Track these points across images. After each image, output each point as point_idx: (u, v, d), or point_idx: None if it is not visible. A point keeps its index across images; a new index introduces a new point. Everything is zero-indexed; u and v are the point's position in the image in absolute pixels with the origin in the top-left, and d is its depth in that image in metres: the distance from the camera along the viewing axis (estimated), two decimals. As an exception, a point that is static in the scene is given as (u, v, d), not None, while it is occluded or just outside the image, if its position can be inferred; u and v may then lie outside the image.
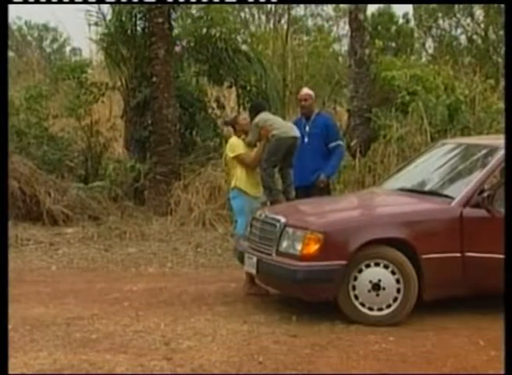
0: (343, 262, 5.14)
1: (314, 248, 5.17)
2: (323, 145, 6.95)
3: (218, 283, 6.47)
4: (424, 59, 17.36)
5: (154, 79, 9.78)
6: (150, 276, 6.92)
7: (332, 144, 6.95)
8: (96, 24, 10.90)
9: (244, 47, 11.12)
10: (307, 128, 6.92)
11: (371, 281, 5.19)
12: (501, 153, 5.51)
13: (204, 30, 10.65)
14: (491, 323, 5.08)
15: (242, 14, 15.59)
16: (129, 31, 10.52)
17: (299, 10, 20.69)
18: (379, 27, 17.68)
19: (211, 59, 10.68)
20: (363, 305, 5.20)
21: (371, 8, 17.35)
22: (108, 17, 10.76)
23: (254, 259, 5.55)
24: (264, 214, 5.76)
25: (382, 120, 9.95)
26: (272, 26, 18.51)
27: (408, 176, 6.28)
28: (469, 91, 10.51)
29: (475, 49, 17.66)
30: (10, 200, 8.23)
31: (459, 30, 18.45)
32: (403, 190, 6.00)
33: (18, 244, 8.02)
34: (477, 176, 5.55)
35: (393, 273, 5.22)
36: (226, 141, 10.38)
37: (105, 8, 10.76)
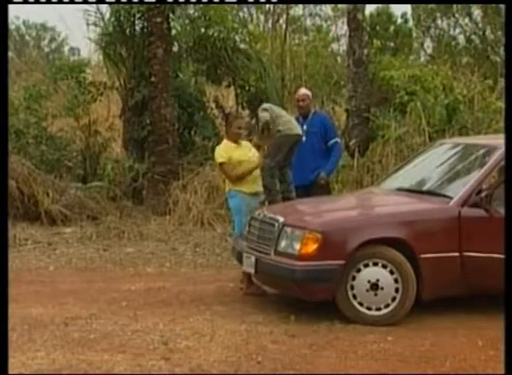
0: (342, 262, 5.14)
1: (312, 247, 5.17)
2: (321, 144, 7.01)
3: (216, 282, 6.47)
4: (422, 59, 17.37)
5: (153, 79, 9.78)
6: (148, 276, 6.91)
7: (331, 142, 7.04)
8: (94, 24, 10.89)
9: (243, 46, 11.12)
10: (305, 127, 6.96)
11: (369, 281, 5.19)
12: (499, 153, 5.52)
13: (203, 30, 10.65)
14: (489, 322, 5.09)
15: (240, 14, 15.56)
16: (127, 31, 10.51)
17: (297, 10, 20.65)
18: (378, 27, 17.68)
19: (209, 59, 10.68)
20: (361, 304, 5.20)
21: (370, 8, 17.38)
22: (107, 17, 10.76)
23: (253, 259, 5.55)
24: (263, 214, 5.76)
25: (381, 120, 9.95)
26: (270, 25, 18.49)
27: (406, 176, 6.28)
28: (467, 91, 10.52)
29: (473, 49, 17.67)
30: (8, 200, 8.22)
31: (457, 30, 18.46)
32: (401, 189, 6.00)
33: (16, 244, 8.02)
34: (475, 175, 5.55)
35: (392, 272, 5.22)
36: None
37: (104, 7, 10.76)
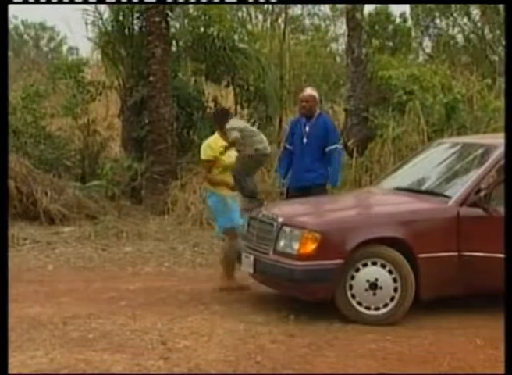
0: (340, 262, 5.14)
1: (311, 247, 5.18)
2: (322, 147, 6.83)
3: (215, 282, 6.47)
4: (421, 58, 17.38)
5: (151, 78, 9.78)
6: (147, 276, 6.91)
7: (331, 147, 6.80)
8: (93, 23, 10.89)
9: (242, 46, 11.12)
10: (307, 128, 6.81)
11: (368, 280, 5.19)
12: (498, 152, 5.52)
13: (202, 29, 10.65)
14: (488, 322, 5.09)
15: (239, 13, 15.59)
16: (126, 30, 10.52)
17: (296, 9, 20.66)
18: (376, 26, 17.67)
19: (208, 58, 10.68)
20: (360, 304, 5.20)
21: (368, 8, 17.35)
22: (106, 16, 10.76)
23: (251, 258, 5.55)
24: (262, 213, 5.77)
25: (379, 120, 9.96)
26: (269, 25, 18.50)
27: (405, 176, 6.28)
28: (466, 90, 10.52)
29: (472, 48, 17.67)
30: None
31: (456, 30, 18.45)
32: (400, 189, 6.01)
33: (15, 244, 8.01)
34: (474, 175, 5.56)
35: (390, 272, 5.22)
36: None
37: (102, 7, 10.76)
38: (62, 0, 10.76)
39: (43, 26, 28.67)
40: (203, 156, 6.21)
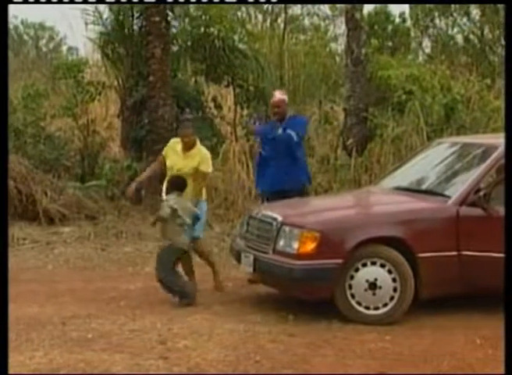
0: (340, 261, 5.14)
1: (310, 246, 5.18)
2: (295, 149, 6.66)
3: (214, 282, 6.46)
4: (420, 59, 17.37)
5: (151, 78, 9.77)
6: (146, 276, 6.90)
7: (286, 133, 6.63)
8: (93, 23, 10.89)
9: (241, 46, 11.12)
10: (280, 131, 6.66)
11: (367, 280, 5.19)
12: (497, 152, 5.52)
13: (202, 29, 10.64)
14: (487, 321, 5.10)
15: (238, 13, 15.58)
16: (126, 30, 10.51)
17: (295, 9, 20.66)
18: (376, 26, 17.67)
19: (208, 58, 10.67)
20: (359, 303, 5.20)
21: (368, 8, 17.35)
22: (105, 16, 10.76)
23: (251, 258, 5.55)
24: (261, 212, 5.76)
25: (379, 119, 9.96)
26: (268, 25, 18.50)
27: (404, 175, 6.28)
28: (465, 91, 10.53)
29: (472, 48, 17.67)
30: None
31: (455, 30, 18.44)
32: (399, 189, 6.01)
33: (14, 244, 8.01)
34: (473, 175, 5.56)
35: (390, 271, 5.22)
36: (224, 142, 10.45)
37: (102, 7, 10.76)
38: (62, 0, 10.75)
39: (42, 26, 28.65)
40: (210, 168, 6.15)
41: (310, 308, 5.36)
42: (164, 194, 6.03)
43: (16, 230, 8.33)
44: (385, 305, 5.22)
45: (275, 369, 4.30)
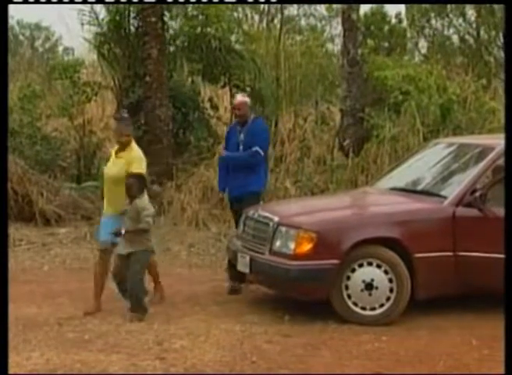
0: (336, 262, 5.15)
1: (307, 247, 5.18)
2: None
3: (211, 282, 6.47)
4: (416, 59, 17.39)
5: (147, 78, 9.77)
6: (143, 276, 6.89)
7: (252, 150, 6.26)
8: (89, 23, 10.88)
9: (238, 46, 11.12)
10: (242, 136, 6.38)
11: (364, 281, 5.20)
12: (493, 153, 5.54)
13: (199, 29, 10.64)
14: (483, 321, 5.11)
15: (235, 13, 15.58)
16: (122, 31, 10.50)
17: (292, 10, 20.69)
18: (372, 27, 17.70)
19: (205, 59, 10.67)
20: (356, 304, 5.21)
21: (364, 8, 17.37)
22: (101, 16, 10.75)
23: (247, 259, 5.55)
24: (258, 213, 5.77)
25: (375, 120, 9.97)
26: (265, 25, 18.51)
27: (401, 176, 6.29)
28: (461, 91, 10.54)
29: (467, 49, 17.70)
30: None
31: (451, 30, 18.48)
32: (395, 189, 6.01)
33: (10, 245, 7.98)
34: (469, 175, 5.57)
35: (386, 272, 5.23)
36: (220, 142, 10.44)
37: (98, 7, 10.74)
38: (62, 0, 10.73)
39: (38, 27, 28.62)
40: (143, 170, 5.56)
41: (306, 308, 5.36)
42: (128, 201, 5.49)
43: (12, 231, 8.31)
44: (382, 305, 5.23)
45: (272, 370, 4.30)
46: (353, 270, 5.21)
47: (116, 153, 5.65)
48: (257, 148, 6.27)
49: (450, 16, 18.23)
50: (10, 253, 7.72)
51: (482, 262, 5.30)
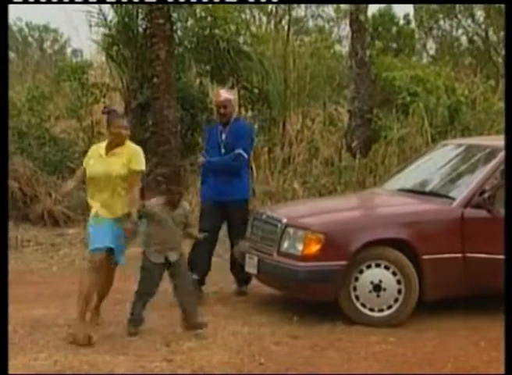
0: (344, 263, 5.13)
1: (315, 248, 5.17)
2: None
3: (218, 284, 6.46)
4: (424, 60, 17.37)
5: (155, 80, 9.78)
6: (151, 277, 6.90)
7: (235, 152, 5.92)
8: (97, 25, 10.91)
9: (246, 47, 11.13)
10: (224, 137, 5.96)
11: (372, 282, 5.18)
12: (502, 154, 5.51)
13: (207, 31, 10.66)
14: (492, 323, 5.08)
15: (243, 15, 15.60)
16: (130, 32, 10.53)
17: (300, 11, 20.71)
18: (380, 28, 17.67)
19: (213, 60, 10.68)
20: (364, 305, 5.20)
21: (372, 9, 17.36)
22: (109, 18, 10.78)
23: (255, 260, 5.54)
24: (266, 214, 5.76)
25: (383, 121, 9.96)
26: (272, 27, 18.51)
27: (409, 177, 6.27)
28: (469, 92, 10.53)
29: (476, 50, 17.67)
30: (10, 201, 8.22)
31: (460, 31, 18.45)
32: (404, 190, 6.00)
33: (19, 246, 8.02)
34: (478, 176, 5.55)
35: (394, 273, 5.21)
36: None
37: (106, 8, 10.78)
38: (62, 0, 10.76)
39: (47, 29, 28.72)
40: (143, 166, 5.09)
41: (314, 310, 5.35)
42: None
43: (21, 232, 8.34)
44: (390, 307, 5.21)
45: (280, 371, 4.30)
46: (361, 271, 5.20)
47: (108, 150, 5.04)
48: (240, 151, 5.89)
49: (459, 16, 18.20)
50: (19, 254, 7.76)
51: (491, 264, 5.28)
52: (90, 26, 10.99)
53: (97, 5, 10.66)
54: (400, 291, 5.22)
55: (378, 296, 5.18)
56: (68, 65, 11.82)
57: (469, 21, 18.13)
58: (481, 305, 5.38)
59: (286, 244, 5.35)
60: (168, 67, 9.81)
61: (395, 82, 10.34)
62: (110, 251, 5.08)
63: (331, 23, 22.10)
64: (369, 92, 10.15)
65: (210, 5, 10.72)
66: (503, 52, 17.11)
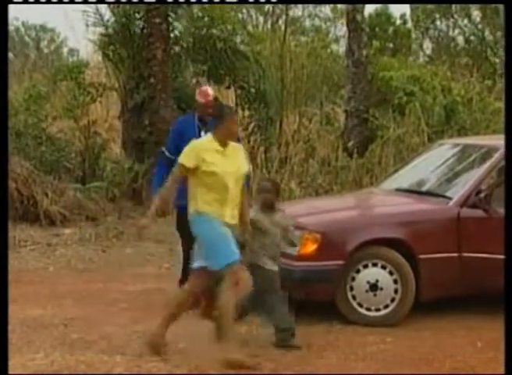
0: (341, 263, 5.14)
1: (311, 248, 5.17)
2: None
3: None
4: (421, 60, 17.39)
5: (152, 80, 9.79)
6: (147, 277, 6.90)
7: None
8: (94, 25, 10.90)
9: (243, 47, 11.13)
10: (203, 134, 5.24)
11: (368, 282, 5.19)
12: (498, 153, 5.52)
13: (204, 30, 10.65)
14: (488, 323, 5.09)
15: (239, 15, 15.60)
16: (127, 32, 10.52)
17: (297, 11, 20.71)
18: (377, 28, 17.69)
19: (209, 60, 10.69)
20: (360, 305, 5.20)
21: (369, 9, 17.38)
22: (106, 18, 10.77)
23: (252, 260, 5.53)
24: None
25: (380, 121, 9.98)
26: (269, 26, 18.53)
27: (406, 177, 6.28)
28: (466, 92, 10.55)
29: (472, 50, 17.69)
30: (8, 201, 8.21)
31: (456, 31, 18.47)
32: (400, 190, 6.00)
33: (15, 246, 8.00)
34: (474, 176, 5.55)
35: (391, 273, 5.22)
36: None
37: (103, 8, 10.76)
38: (62, 0, 10.75)
39: (43, 28, 28.69)
40: (185, 161, 4.45)
41: (311, 309, 5.35)
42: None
43: (17, 232, 8.33)
44: (387, 306, 5.21)
45: (277, 371, 4.30)
46: (358, 271, 5.20)
47: (222, 148, 4.45)
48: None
49: (455, 17, 18.22)
50: (15, 254, 7.74)
51: (487, 263, 5.28)
52: (87, 25, 10.98)
53: (93, 5, 10.66)
54: (396, 291, 5.22)
55: (374, 295, 5.19)
56: (64, 64, 11.81)
57: (465, 21, 18.16)
58: (478, 304, 5.39)
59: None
60: (164, 67, 9.81)
61: (391, 82, 10.36)
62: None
63: (328, 23, 22.12)
64: (366, 92, 10.17)
65: (207, 5, 10.72)
66: (500, 52, 17.14)
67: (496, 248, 5.10)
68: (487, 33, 17.89)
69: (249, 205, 4.65)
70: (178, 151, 4.97)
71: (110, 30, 10.67)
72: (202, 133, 5.41)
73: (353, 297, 5.19)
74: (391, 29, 18.31)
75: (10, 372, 4.09)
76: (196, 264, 4.45)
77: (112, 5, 10.62)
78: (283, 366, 4.37)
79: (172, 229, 8.80)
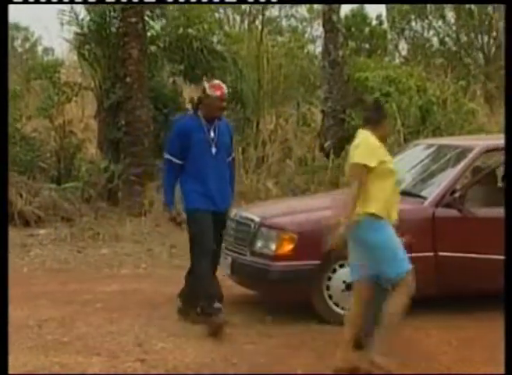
0: (317, 262, 5.15)
1: (288, 247, 5.18)
2: (227, 158, 5.31)
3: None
4: (397, 61, 17.51)
5: (128, 79, 9.74)
6: (123, 278, 6.87)
7: (229, 158, 5.35)
8: (69, 23, 10.82)
9: (219, 47, 11.13)
10: (212, 135, 5.16)
11: (344, 281, 5.20)
12: (472, 153, 5.57)
13: (181, 30, 10.63)
14: (463, 322, 5.13)
15: (216, 14, 15.58)
16: (102, 31, 10.46)
17: (273, 11, 20.76)
18: (353, 29, 17.79)
19: (186, 59, 10.66)
20: (337, 305, 5.22)
21: (345, 10, 17.48)
22: (81, 16, 10.70)
23: (229, 260, 5.54)
24: (239, 214, 5.75)
25: (356, 121, 10.02)
26: (246, 26, 18.54)
27: (381, 177, 6.30)
28: (441, 93, 10.65)
29: (447, 51, 17.86)
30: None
31: (431, 32, 18.63)
32: (376, 190, 6.02)
33: (-11, 246, 7.91)
34: (449, 176, 5.60)
35: (367, 272, 5.23)
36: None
37: (79, 7, 10.69)
38: (62, 0, 10.66)
39: (17, 27, 28.41)
40: (368, 161, 4.43)
41: (287, 309, 5.36)
42: None
43: (-9, 233, 8.23)
44: (363, 306, 5.23)
45: (253, 371, 4.30)
46: (334, 271, 5.22)
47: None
48: (234, 156, 5.46)
49: (430, 18, 18.37)
50: (-11, 255, 7.64)
51: (462, 263, 5.33)
52: (62, 24, 10.90)
53: (94, 4, 10.53)
54: (372, 290, 5.24)
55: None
56: (39, 63, 11.74)
57: (440, 22, 18.32)
58: (453, 303, 5.43)
59: (259, 244, 5.35)
60: (140, 66, 9.77)
61: (367, 82, 10.42)
62: None
63: (304, 23, 22.19)
64: (342, 92, 10.22)
65: (193, 4, 10.71)
66: (474, 53, 17.34)
67: (471, 247, 5.16)
68: (461, 34, 18.07)
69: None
70: (182, 155, 5.07)
71: (85, 29, 10.60)
72: (211, 134, 5.17)
73: (330, 296, 5.21)
74: (367, 29, 18.44)
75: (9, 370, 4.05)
76: (360, 274, 4.28)
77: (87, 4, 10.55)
78: (259, 365, 4.37)
79: (149, 229, 8.82)
